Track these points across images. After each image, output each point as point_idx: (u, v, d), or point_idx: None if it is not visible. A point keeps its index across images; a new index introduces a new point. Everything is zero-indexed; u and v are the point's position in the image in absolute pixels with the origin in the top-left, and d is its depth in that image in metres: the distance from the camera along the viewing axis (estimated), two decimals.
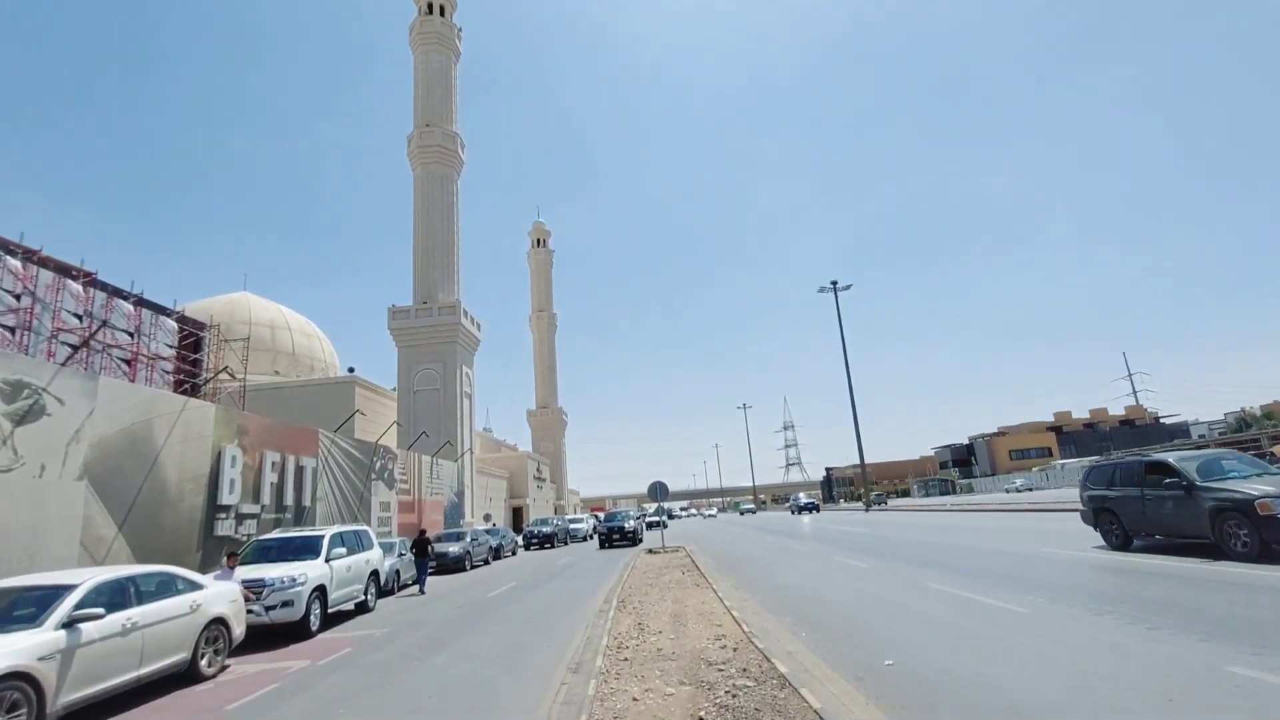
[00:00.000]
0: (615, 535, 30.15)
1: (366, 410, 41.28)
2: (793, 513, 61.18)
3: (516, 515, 59.85)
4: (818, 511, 77.74)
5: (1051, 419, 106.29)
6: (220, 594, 8.75)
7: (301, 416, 26.54)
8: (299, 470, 17.80)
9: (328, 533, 12.31)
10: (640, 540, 30.90)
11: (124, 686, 6.68)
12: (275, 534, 12.85)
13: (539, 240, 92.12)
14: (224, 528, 14.49)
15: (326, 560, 11.77)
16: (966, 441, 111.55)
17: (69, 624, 6.06)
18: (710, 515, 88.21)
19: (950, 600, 8.90)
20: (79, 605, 6.28)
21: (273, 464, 16.51)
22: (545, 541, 34.42)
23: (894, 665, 5.89)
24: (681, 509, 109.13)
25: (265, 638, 10.61)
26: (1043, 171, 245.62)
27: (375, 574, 13.98)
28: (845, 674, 5.80)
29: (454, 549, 21.98)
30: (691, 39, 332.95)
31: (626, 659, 7.13)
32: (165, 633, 7.29)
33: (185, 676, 7.82)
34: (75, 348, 20.91)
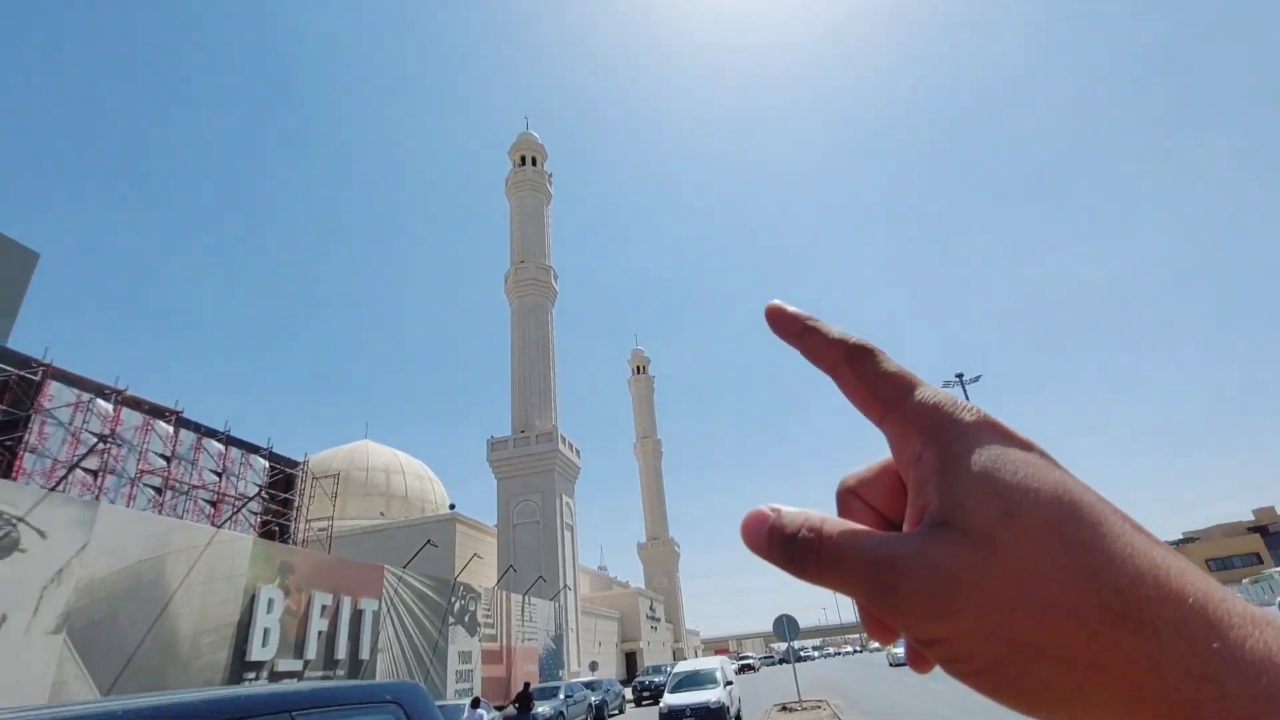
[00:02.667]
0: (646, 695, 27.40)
1: (468, 549, 39.29)
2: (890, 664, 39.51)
3: (630, 661, 53.86)
4: None
5: (1252, 518, 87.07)
6: None
7: (401, 560, 24.32)
8: (356, 615, 15.26)
9: None
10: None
11: None
12: None
13: (639, 367, 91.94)
14: None
15: None
16: None
17: None
18: (846, 654, 76.75)
19: None
20: None
21: (323, 608, 14.09)
22: (659, 694, 29.25)
23: None
24: (814, 648, 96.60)
25: None
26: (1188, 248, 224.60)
27: None
28: None
29: (543, 711, 18.07)
30: (767, 152, 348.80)
31: None
32: None
33: None
34: (158, 490, 20.58)
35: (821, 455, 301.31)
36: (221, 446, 22.58)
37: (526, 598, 27.87)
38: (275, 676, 12.55)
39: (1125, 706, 0.22)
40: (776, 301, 0.34)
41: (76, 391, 18.98)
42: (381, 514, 47.43)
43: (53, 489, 10.81)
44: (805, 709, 17.94)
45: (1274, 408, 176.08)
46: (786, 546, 0.27)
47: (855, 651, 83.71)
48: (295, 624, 13.31)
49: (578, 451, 46.05)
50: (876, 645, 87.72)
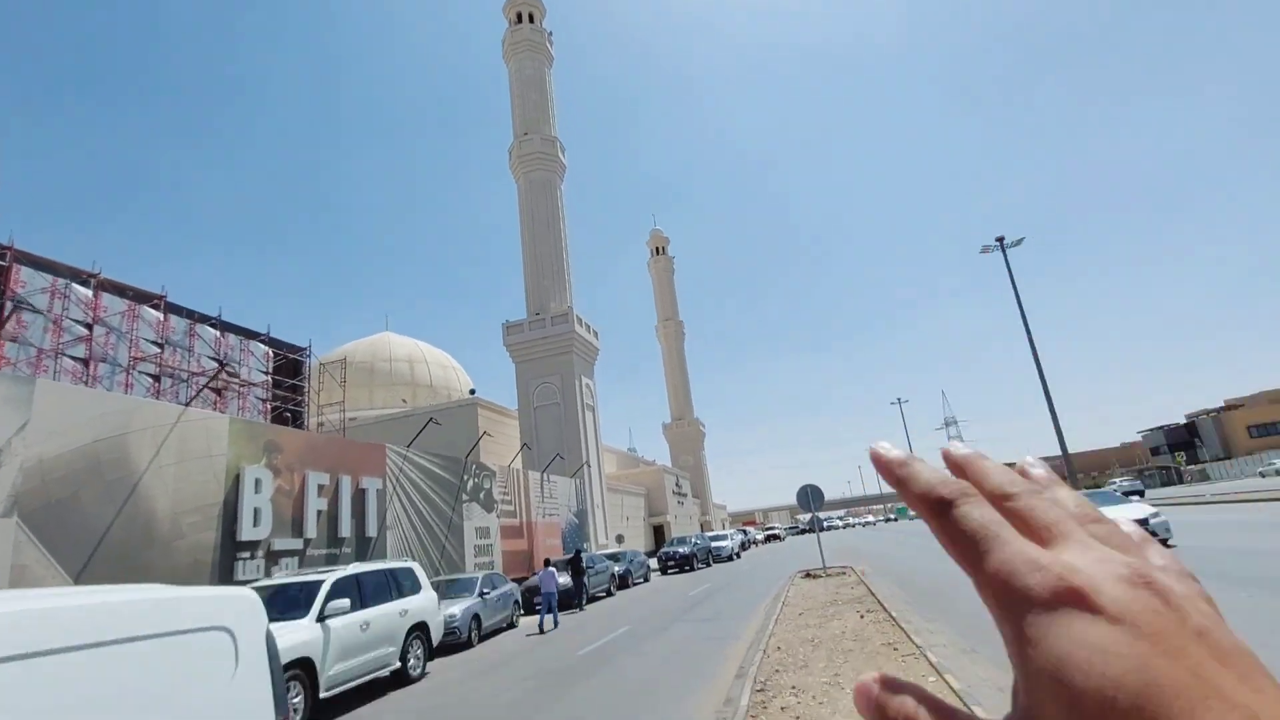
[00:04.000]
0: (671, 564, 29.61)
1: (492, 432, 39.48)
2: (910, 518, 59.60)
3: (658, 534, 55.81)
4: None
5: None
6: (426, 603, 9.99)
7: (426, 445, 23.92)
8: (359, 494, 14.69)
9: (328, 579, 8.59)
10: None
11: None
12: (265, 582, 9.42)
13: (658, 248, 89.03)
14: (249, 570, 11.46)
15: (320, 619, 8.01)
16: (1184, 421, 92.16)
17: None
18: (869, 524, 78.75)
19: None
20: None
21: (319, 487, 13.43)
22: (683, 564, 29.76)
23: None
24: (839, 518, 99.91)
25: None
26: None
27: (422, 628, 10.14)
28: None
29: (563, 580, 17.97)
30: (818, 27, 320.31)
31: None
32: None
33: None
34: (155, 377, 19.95)
35: (854, 334, 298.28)
36: (216, 332, 21.74)
37: (546, 475, 27.75)
38: (273, 555, 12.08)
39: None
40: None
41: (50, 277, 17.91)
42: (404, 401, 47.76)
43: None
44: (830, 575, 17.52)
45: None
46: None
47: (876, 522, 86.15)
48: (290, 504, 12.70)
49: (595, 333, 45.00)
50: (893, 515, 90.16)
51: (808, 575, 18.43)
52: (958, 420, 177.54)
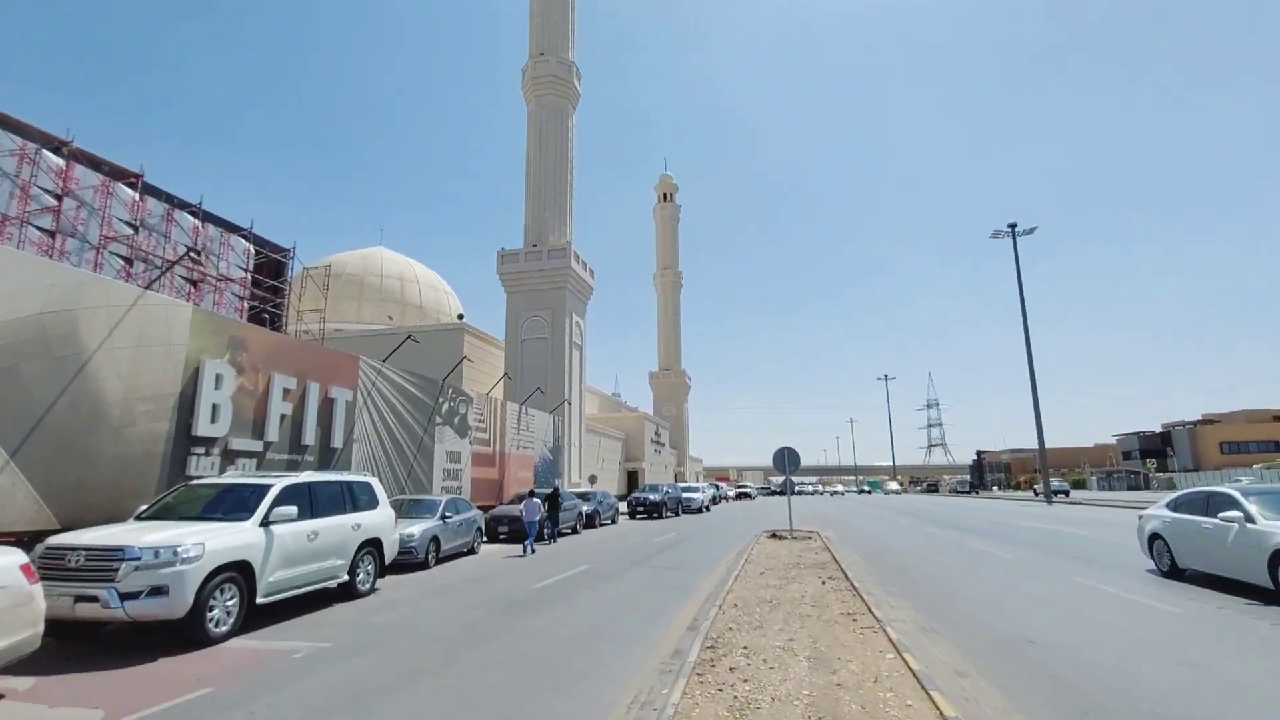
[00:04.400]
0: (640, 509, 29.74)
1: (475, 359, 38.99)
2: (884, 493, 70.69)
3: (631, 479, 56.34)
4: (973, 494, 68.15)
5: (1278, 407, 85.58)
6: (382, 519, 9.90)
7: (407, 365, 23.39)
8: (327, 403, 14.24)
9: (277, 484, 8.20)
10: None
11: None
12: (213, 480, 9.03)
13: (665, 194, 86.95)
14: (202, 466, 11.07)
15: (264, 524, 7.65)
16: (1160, 429, 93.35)
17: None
18: (837, 493, 79.78)
19: None
20: None
21: (285, 391, 12.94)
22: (652, 510, 29.94)
23: None
24: (811, 485, 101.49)
25: (129, 642, 6.73)
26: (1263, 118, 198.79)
27: (374, 544, 9.87)
28: None
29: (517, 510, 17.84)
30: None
31: None
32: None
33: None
34: (127, 259, 19.14)
35: (851, 307, 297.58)
36: (196, 221, 20.79)
37: (524, 408, 27.45)
38: (230, 455, 11.67)
39: None
40: None
41: (19, 140, 16.85)
42: (390, 318, 47.02)
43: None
44: (796, 538, 17.50)
45: None
46: None
47: (846, 492, 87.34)
48: (252, 404, 12.21)
49: (592, 271, 44.11)
50: (867, 488, 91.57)
51: (774, 536, 18.42)
52: (939, 403, 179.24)
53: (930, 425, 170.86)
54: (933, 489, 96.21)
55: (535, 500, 16.27)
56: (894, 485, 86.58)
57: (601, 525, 24.94)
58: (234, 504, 7.84)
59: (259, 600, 7.42)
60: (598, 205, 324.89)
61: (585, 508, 23.18)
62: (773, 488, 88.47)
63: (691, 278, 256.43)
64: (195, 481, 9.09)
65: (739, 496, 64.83)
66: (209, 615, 6.72)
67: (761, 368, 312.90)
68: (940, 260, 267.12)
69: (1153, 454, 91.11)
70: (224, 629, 6.88)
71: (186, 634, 6.58)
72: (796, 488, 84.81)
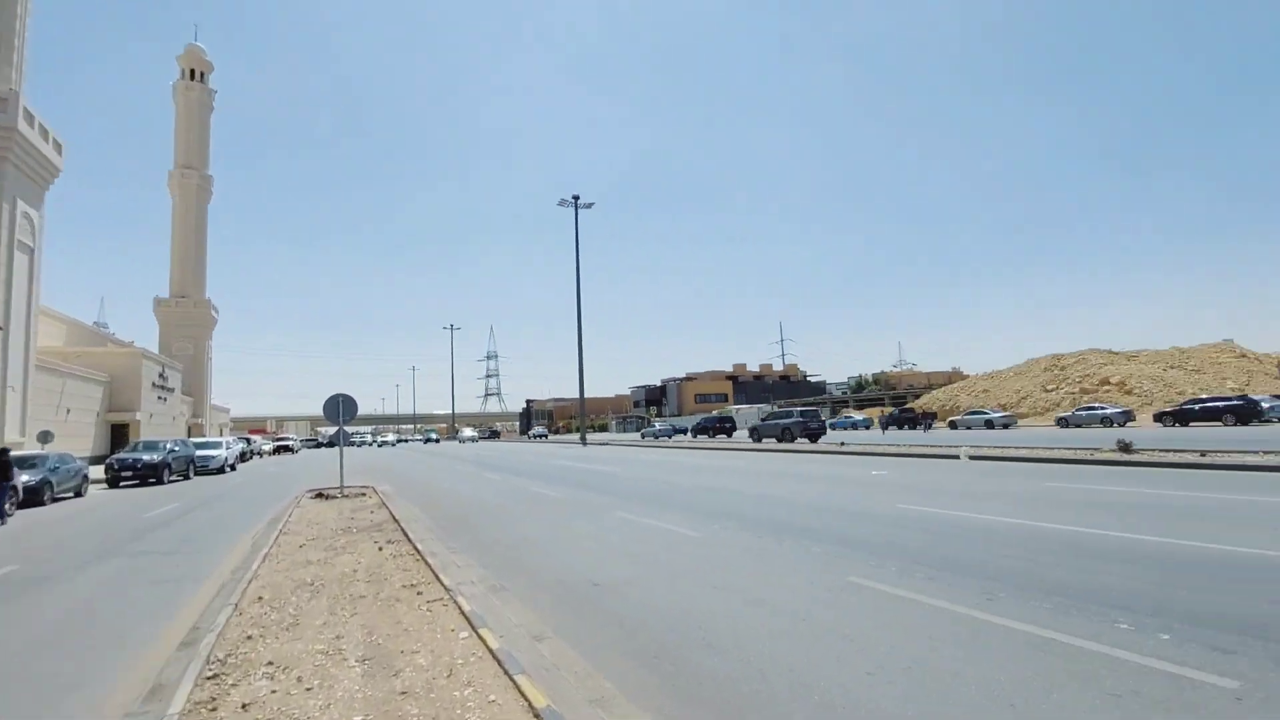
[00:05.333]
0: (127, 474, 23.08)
1: None
2: (460, 442, 74.05)
3: (118, 435, 43.19)
4: (546, 439, 75.23)
5: (730, 369, 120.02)
6: None
7: None
8: None
9: None
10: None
11: None
12: None
13: (193, 71, 68.21)
14: None
15: None
16: (660, 383, 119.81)
17: None
18: (386, 443, 77.74)
19: None
20: None
21: None
22: (147, 475, 23.08)
23: None
24: (370, 434, 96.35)
25: None
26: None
27: None
28: None
29: None
30: None
31: None
32: None
33: None
34: None
35: (421, 254, 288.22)
36: None
37: None
38: None
39: None
40: None
41: None
42: None
43: None
44: (348, 496, 15.44)
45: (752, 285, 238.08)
46: None
47: (396, 442, 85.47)
48: None
49: (59, 146, 31.35)
50: (434, 436, 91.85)
51: (319, 495, 15.95)
52: (499, 355, 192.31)
53: (489, 376, 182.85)
54: (494, 435, 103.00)
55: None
56: (469, 432, 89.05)
57: (59, 500, 17.93)
58: None
59: None
60: (100, 66, 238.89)
61: (26, 478, 16.18)
62: (321, 439, 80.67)
63: (231, 188, 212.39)
64: None
65: (277, 450, 56.83)
66: None
67: (313, 310, 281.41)
68: (516, 223, 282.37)
69: (653, 402, 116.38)
70: None
71: None
72: (352, 438, 79.09)
